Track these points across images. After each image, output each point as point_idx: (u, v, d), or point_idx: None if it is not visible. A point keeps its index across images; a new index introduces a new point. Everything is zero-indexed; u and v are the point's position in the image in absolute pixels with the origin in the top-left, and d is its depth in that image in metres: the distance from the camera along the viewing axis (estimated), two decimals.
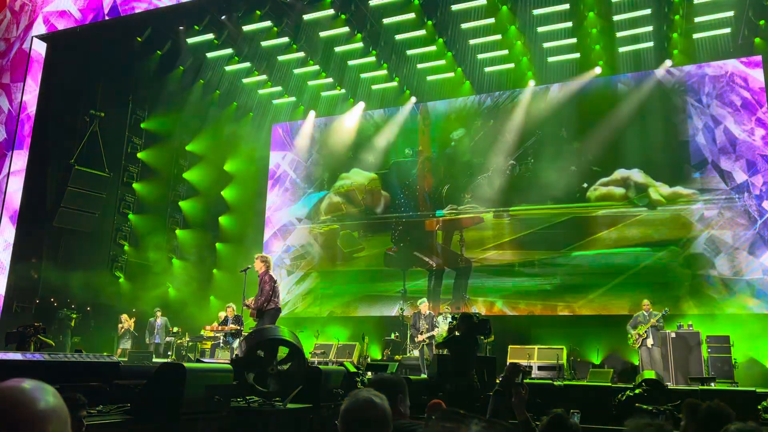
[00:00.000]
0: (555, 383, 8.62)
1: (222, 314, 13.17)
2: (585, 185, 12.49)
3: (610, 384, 8.98)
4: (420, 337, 11.61)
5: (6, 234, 12.96)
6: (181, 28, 13.48)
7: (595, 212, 12.71)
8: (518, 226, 13.00)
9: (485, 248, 12.61)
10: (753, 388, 7.99)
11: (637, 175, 12.10)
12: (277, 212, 16.70)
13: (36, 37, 13.68)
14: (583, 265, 12.99)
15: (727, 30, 12.45)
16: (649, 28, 12.64)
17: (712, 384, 9.48)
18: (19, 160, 13.25)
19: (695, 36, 12.72)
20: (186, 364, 3.78)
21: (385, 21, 12.97)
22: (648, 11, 12.15)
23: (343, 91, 15.43)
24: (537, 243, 13.00)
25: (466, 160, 13.03)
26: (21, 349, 8.57)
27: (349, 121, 16.03)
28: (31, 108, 13.41)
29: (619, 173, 12.00)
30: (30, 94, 13.49)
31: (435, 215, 10.88)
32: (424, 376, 10.42)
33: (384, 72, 14.58)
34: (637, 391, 7.33)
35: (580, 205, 12.77)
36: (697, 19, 12.38)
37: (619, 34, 12.88)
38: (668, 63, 13.21)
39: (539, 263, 13.08)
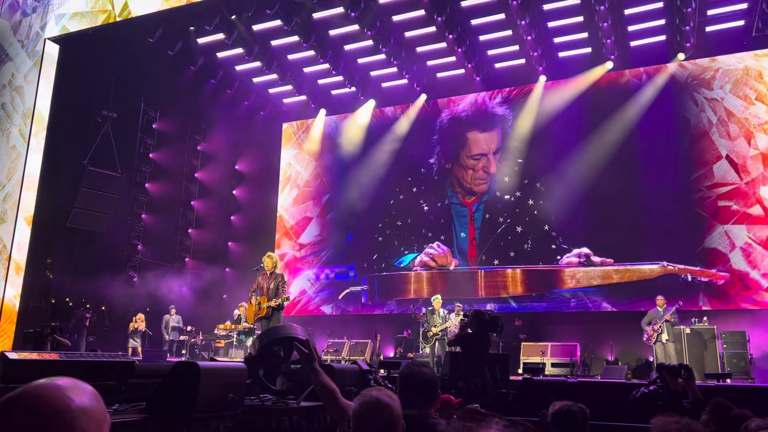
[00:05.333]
0: (569, 380, 8.58)
1: (235, 312, 13.24)
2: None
3: (624, 380, 8.93)
4: (434, 330, 11.62)
5: (21, 235, 13.10)
6: (191, 28, 13.54)
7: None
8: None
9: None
10: None
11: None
12: (288, 210, 16.76)
13: (49, 39, 13.80)
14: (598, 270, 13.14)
15: (741, 22, 12.31)
16: (662, 22, 12.53)
17: (729, 380, 9.39)
18: (33, 162, 13.38)
19: (708, 29, 12.59)
20: (200, 363, 3.80)
21: (395, 18, 12.96)
22: (660, 4, 12.04)
23: (353, 89, 15.44)
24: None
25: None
26: (38, 349, 8.67)
27: (361, 119, 16.06)
28: (45, 109, 13.54)
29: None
30: (43, 95, 13.62)
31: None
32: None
33: (394, 69, 14.57)
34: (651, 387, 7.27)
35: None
36: (709, 12, 12.26)
37: (630, 28, 12.78)
38: (681, 57, 13.08)
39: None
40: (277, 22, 13.03)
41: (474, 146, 14.46)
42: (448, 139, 14.73)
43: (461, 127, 14.61)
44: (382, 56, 13.95)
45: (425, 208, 14.41)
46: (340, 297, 15.07)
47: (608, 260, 12.87)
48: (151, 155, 15.54)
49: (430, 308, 12.04)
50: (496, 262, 13.74)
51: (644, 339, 11.20)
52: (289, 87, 15.64)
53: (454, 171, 14.55)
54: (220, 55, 14.36)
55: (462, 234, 13.98)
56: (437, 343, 11.65)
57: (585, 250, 13.01)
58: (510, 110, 14.34)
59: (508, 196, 13.86)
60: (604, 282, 12.87)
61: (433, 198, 14.53)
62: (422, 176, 14.67)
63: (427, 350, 11.93)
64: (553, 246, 13.36)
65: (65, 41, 13.85)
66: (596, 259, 12.94)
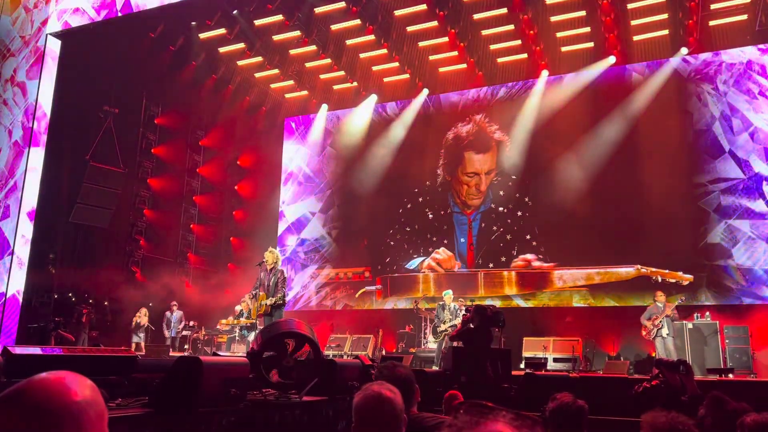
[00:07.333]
0: (570, 375, 8.59)
1: (237, 308, 13.26)
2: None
3: (626, 375, 8.93)
4: (443, 326, 11.60)
5: (24, 230, 13.12)
6: (193, 23, 13.53)
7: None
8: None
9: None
10: None
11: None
12: (290, 206, 16.77)
13: (50, 34, 13.79)
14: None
15: (744, 17, 12.25)
16: (664, 16, 12.48)
17: (730, 375, 9.39)
18: (36, 157, 13.39)
19: (711, 23, 12.54)
20: (202, 358, 3.81)
21: (397, 13, 12.94)
22: None
23: (354, 84, 15.43)
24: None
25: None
26: (41, 344, 8.71)
27: (362, 115, 16.06)
28: (47, 105, 13.54)
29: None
30: (45, 91, 13.61)
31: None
32: (436, 368, 10.43)
33: (396, 64, 14.55)
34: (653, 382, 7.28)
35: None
36: (713, 6, 12.21)
37: (633, 23, 12.73)
38: (684, 51, 13.03)
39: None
40: (279, 17, 13.01)
41: (469, 165, 15.42)
42: (450, 155, 15.67)
43: (460, 145, 15.58)
44: (384, 51, 13.92)
45: (430, 215, 15.52)
46: (356, 296, 15.62)
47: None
48: (152, 150, 15.55)
49: (441, 303, 11.98)
50: (491, 265, 14.61)
51: (643, 334, 11.17)
52: (291, 82, 15.63)
53: (453, 184, 15.57)
54: (221, 50, 14.34)
55: (461, 239, 15.20)
56: (446, 338, 11.60)
57: (530, 256, 14.09)
58: (507, 135, 14.89)
59: (502, 208, 14.78)
60: (587, 283, 13.38)
61: (437, 207, 15.56)
62: (427, 188, 15.68)
63: (434, 345, 11.91)
64: (535, 254, 14.11)
65: (67, 36, 13.82)
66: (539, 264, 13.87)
